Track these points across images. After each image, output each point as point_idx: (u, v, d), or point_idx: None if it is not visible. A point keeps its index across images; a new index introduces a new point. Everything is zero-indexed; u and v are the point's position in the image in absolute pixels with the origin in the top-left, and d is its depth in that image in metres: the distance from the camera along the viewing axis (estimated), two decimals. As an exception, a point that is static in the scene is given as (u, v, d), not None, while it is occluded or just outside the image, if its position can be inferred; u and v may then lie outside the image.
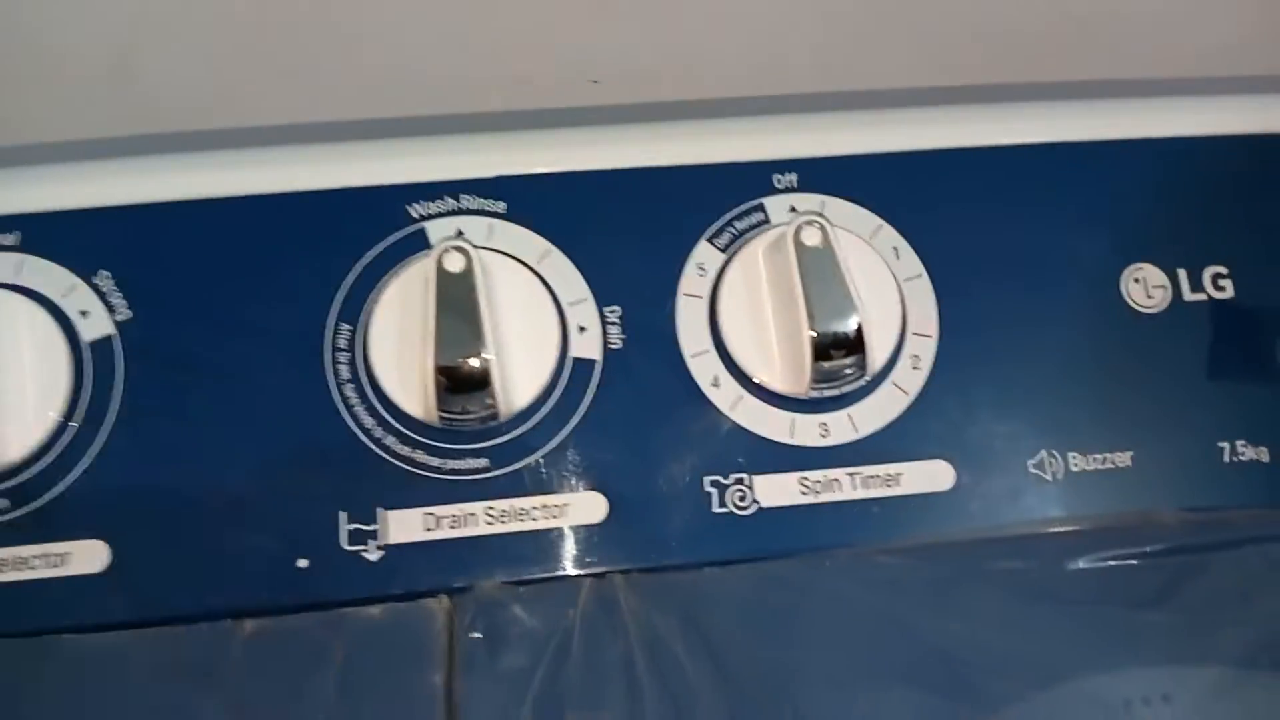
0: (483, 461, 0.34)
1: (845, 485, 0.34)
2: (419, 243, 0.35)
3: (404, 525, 0.33)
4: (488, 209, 0.36)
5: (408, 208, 0.36)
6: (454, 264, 0.33)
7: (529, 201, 0.36)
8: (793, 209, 0.37)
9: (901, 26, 0.41)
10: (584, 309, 0.35)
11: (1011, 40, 0.41)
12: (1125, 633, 0.32)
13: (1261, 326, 0.37)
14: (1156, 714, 0.31)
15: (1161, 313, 0.36)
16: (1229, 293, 0.37)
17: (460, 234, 0.35)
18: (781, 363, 0.35)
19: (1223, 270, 0.37)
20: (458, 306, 0.33)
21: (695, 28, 0.40)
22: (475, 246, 0.34)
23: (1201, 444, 0.35)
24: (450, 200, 0.36)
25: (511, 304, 0.34)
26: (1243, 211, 0.38)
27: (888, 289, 0.35)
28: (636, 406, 0.35)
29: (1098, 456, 0.35)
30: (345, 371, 0.34)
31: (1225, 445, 0.35)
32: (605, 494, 0.34)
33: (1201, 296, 0.37)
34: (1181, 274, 0.37)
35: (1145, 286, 0.37)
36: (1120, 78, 0.40)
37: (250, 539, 0.33)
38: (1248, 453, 0.35)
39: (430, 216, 0.36)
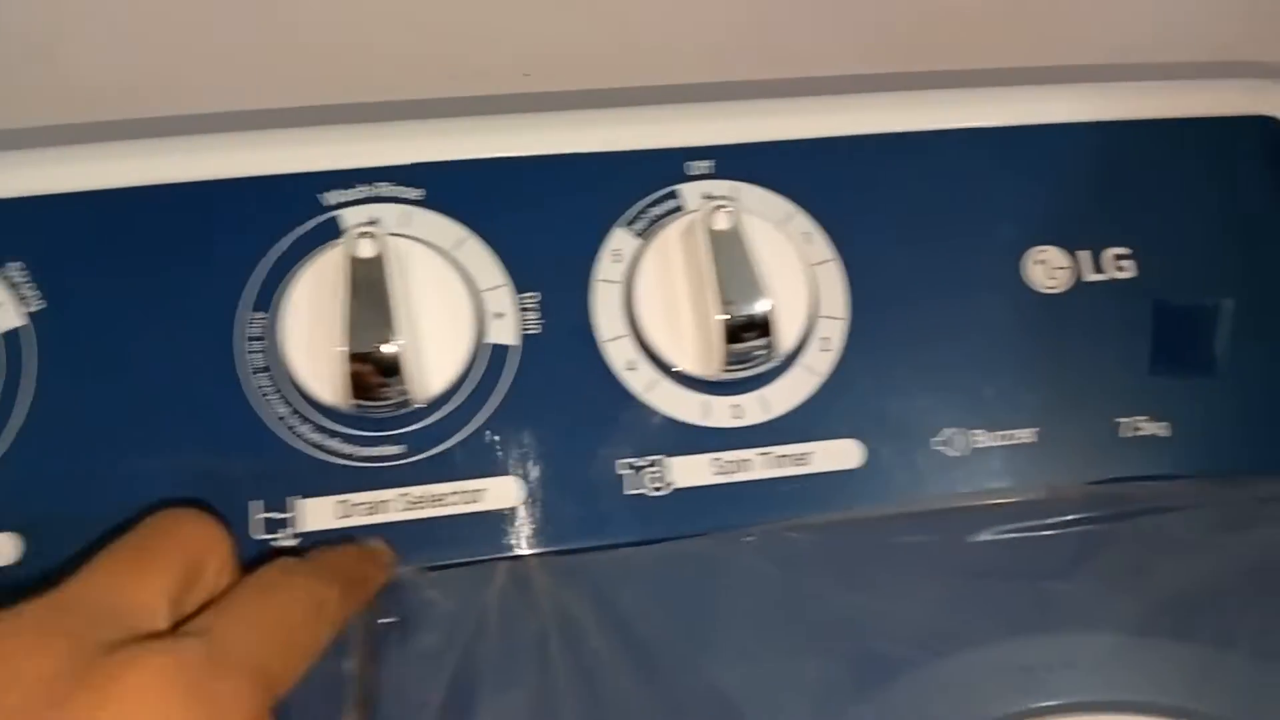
0: (398, 448, 0.34)
1: (757, 465, 0.35)
2: (331, 230, 0.35)
3: (317, 513, 0.33)
4: (404, 196, 0.36)
5: (319, 195, 0.36)
6: (365, 250, 0.33)
7: (447, 188, 0.36)
8: (707, 195, 0.37)
9: (817, 14, 0.41)
10: (500, 295, 0.36)
11: (919, 28, 0.42)
12: (1029, 602, 0.33)
13: (1162, 305, 0.38)
14: (1059, 680, 0.32)
15: (1064, 294, 0.37)
16: (1131, 273, 0.38)
17: (373, 221, 0.35)
18: (695, 346, 0.35)
19: (1124, 251, 0.38)
20: (369, 293, 0.33)
21: (611, 16, 0.40)
22: (390, 234, 0.34)
23: (1102, 420, 0.36)
24: (365, 188, 0.36)
25: (426, 291, 0.34)
26: (1144, 194, 0.39)
27: (797, 273, 0.36)
28: (553, 391, 0.35)
29: (1002, 433, 0.36)
30: (259, 360, 0.34)
31: (1125, 421, 0.36)
32: (521, 478, 0.34)
33: (1103, 277, 0.38)
34: (1083, 256, 0.38)
35: (1047, 268, 0.38)
36: (1026, 65, 0.41)
37: (163, 528, 0.33)
38: (1148, 428, 0.36)
39: (344, 204, 0.36)
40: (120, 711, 0.23)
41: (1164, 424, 0.36)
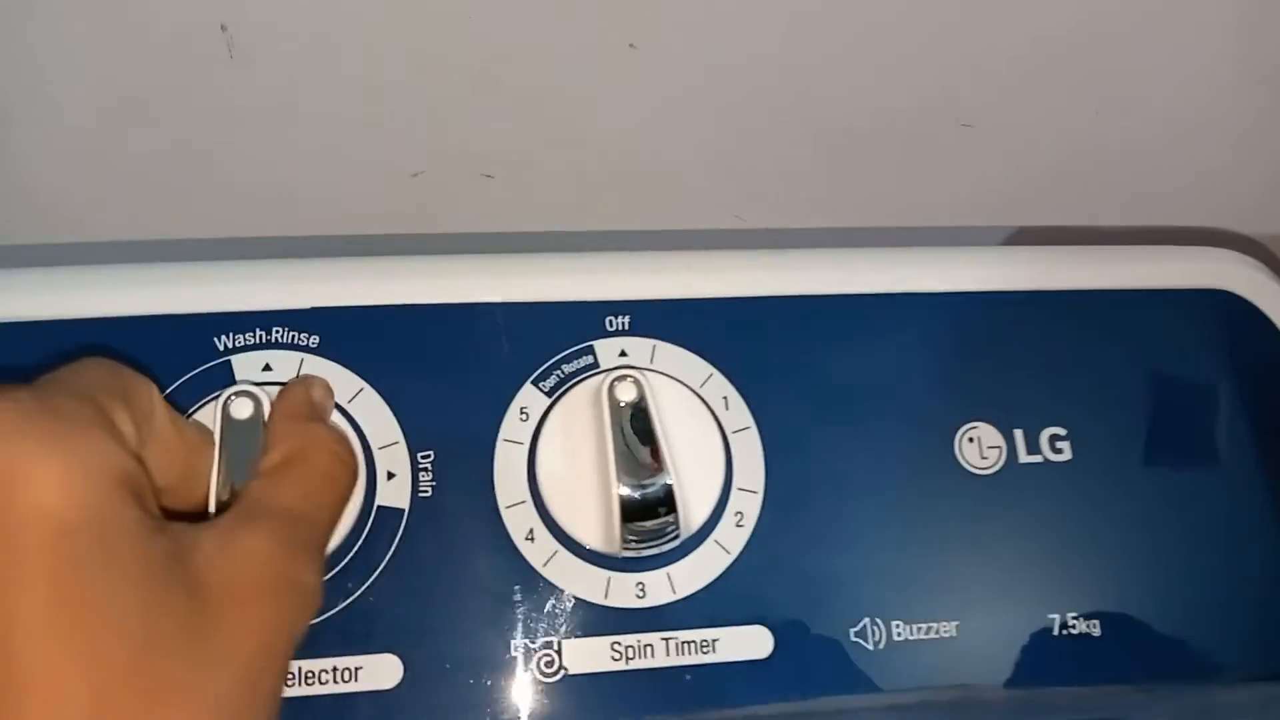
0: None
1: (659, 651, 0.33)
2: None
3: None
4: (299, 342, 0.34)
5: (215, 339, 0.34)
6: (241, 410, 0.31)
7: (343, 336, 0.35)
8: (623, 353, 0.35)
9: (754, 165, 0.40)
10: (394, 453, 0.34)
11: (865, 180, 0.41)
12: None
13: (1099, 492, 0.36)
14: None
15: (995, 474, 0.35)
16: (1067, 455, 0.36)
17: (268, 367, 0.34)
18: (598, 518, 0.33)
19: (1060, 432, 0.36)
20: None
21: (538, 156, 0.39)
22: (255, 383, 0.32)
23: (1031, 615, 0.34)
24: (261, 332, 0.34)
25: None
26: (1087, 369, 0.37)
27: (712, 442, 0.34)
28: (441, 560, 0.33)
29: (922, 625, 0.33)
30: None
31: (1055, 617, 0.34)
32: (400, 656, 0.32)
33: (1038, 459, 0.36)
34: (1018, 434, 0.36)
35: (980, 446, 0.35)
36: (958, 225, 0.39)
37: None
38: (1079, 626, 0.34)
39: (240, 349, 0.34)
40: None
41: (1095, 622, 0.34)
